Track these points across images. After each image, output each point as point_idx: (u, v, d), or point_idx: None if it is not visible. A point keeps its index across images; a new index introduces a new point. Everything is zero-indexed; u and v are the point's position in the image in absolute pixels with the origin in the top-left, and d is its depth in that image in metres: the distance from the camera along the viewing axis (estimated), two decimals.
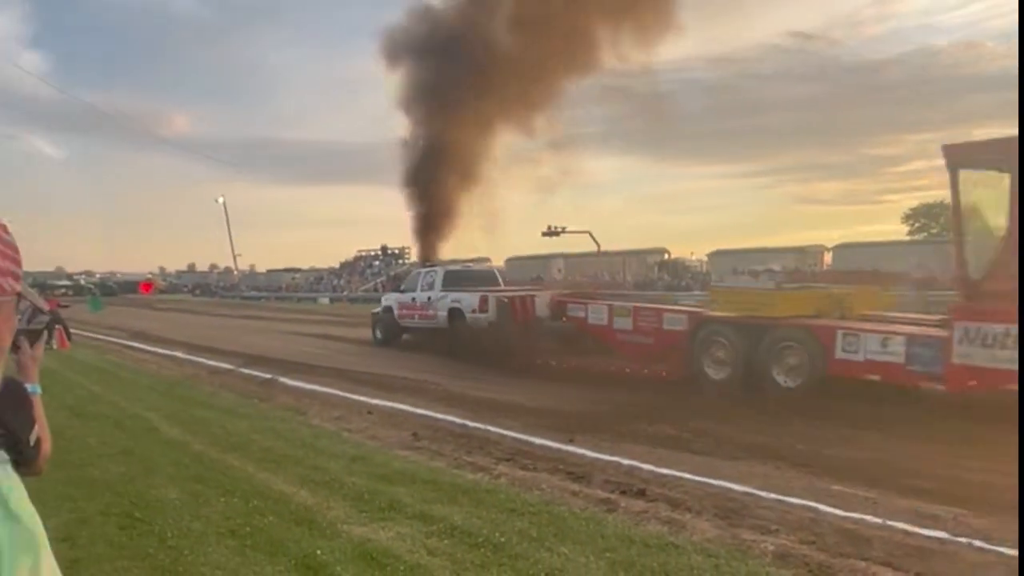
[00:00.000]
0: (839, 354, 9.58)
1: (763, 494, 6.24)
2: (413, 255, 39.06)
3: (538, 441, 8.42)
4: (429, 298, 17.91)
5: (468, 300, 16.37)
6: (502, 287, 18.10)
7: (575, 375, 12.48)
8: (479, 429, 9.09)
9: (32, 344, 2.31)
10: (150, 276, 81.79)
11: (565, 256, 46.22)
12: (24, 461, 2.31)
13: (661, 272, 40.98)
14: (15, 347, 2.20)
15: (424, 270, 19.73)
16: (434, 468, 7.07)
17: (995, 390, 7.94)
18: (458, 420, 9.63)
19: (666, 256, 44.00)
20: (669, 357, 11.63)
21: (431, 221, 28.37)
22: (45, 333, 2.36)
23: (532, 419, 9.66)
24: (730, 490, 6.36)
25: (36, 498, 4.72)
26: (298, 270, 37.53)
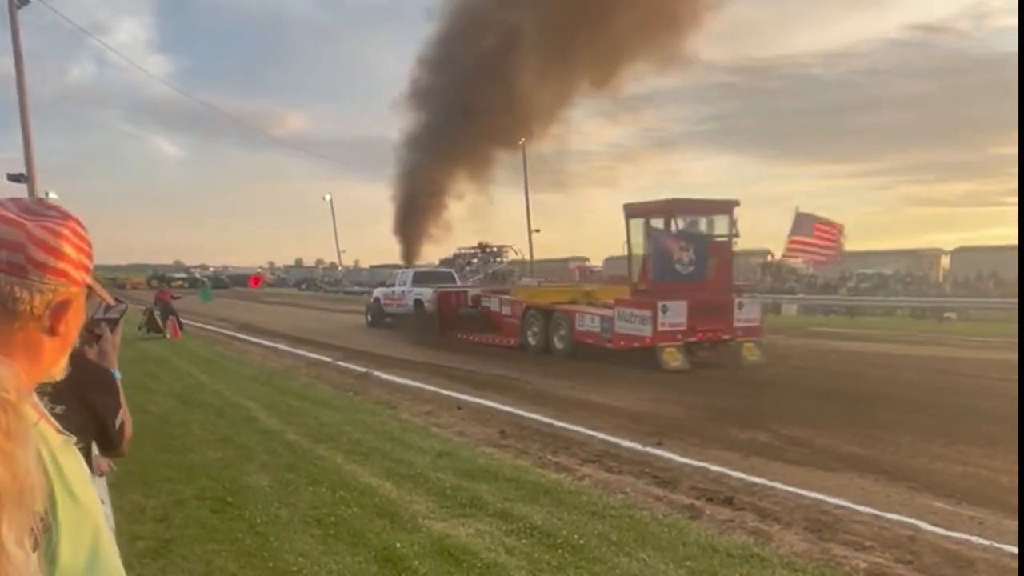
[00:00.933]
0: (577, 327, 15.93)
1: (859, 508, 5.95)
2: (512, 254, 41.18)
3: (626, 443, 8.29)
4: (403, 292, 24.66)
5: (425, 294, 22.93)
6: (454, 285, 24.50)
7: (476, 347, 17.64)
8: (567, 429, 9.03)
9: (111, 331, 2.41)
10: (259, 270, 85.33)
11: None
12: (109, 444, 2.45)
13: (764, 274, 39.68)
14: (95, 336, 2.30)
15: (401, 270, 27.38)
16: (518, 466, 7.07)
17: (631, 346, 14.47)
18: (546, 419, 9.61)
19: (769, 258, 42.61)
20: (516, 331, 17.92)
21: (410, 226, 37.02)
22: (121, 321, 2.46)
23: (622, 420, 9.54)
24: (823, 502, 6.09)
25: (140, 479, 4.98)
26: (399, 267, 38.82)
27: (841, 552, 4.98)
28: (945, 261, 38.44)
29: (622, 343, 14.66)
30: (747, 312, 15.09)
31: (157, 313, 21.24)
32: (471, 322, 19.86)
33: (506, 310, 18.79)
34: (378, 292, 26.64)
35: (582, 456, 7.68)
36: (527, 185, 41.13)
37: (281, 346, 19.08)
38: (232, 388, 11.66)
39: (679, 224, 15.39)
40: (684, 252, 14.82)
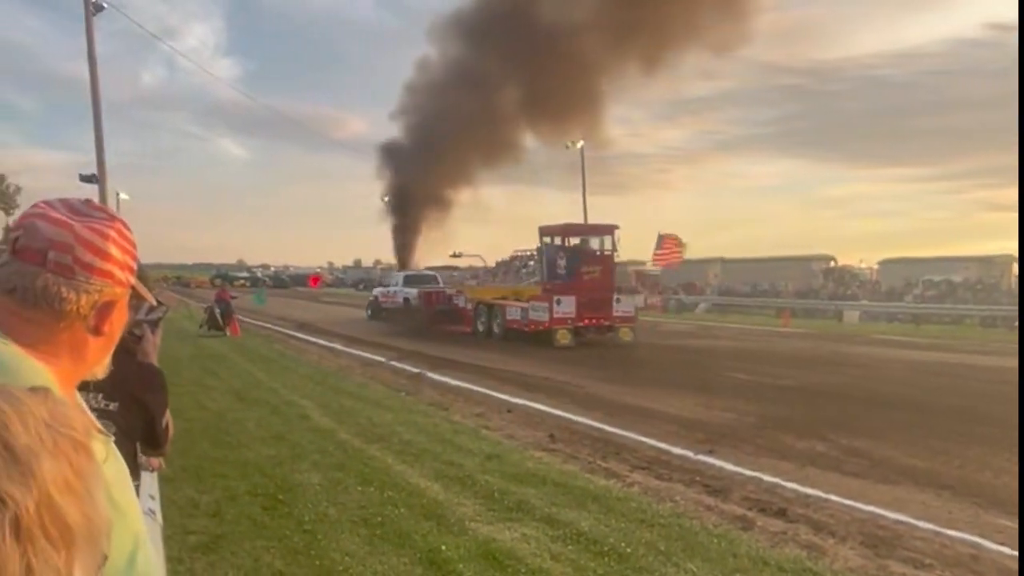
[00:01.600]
0: (508, 317, 21.35)
1: (919, 523, 5.74)
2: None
3: (677, 450, 8.18)
4: (395, 291, 30.31)
5: (412, 293, 28.39)
6: (436, 286, 29.16)
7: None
8: (617, 434, 8.96)
9: (152, 331, 2.46)
10: (318, 270, 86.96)
11: (724, 261, 45.31)
12: (155, 442, 2.50)
13: (826, 280, 38.82)
14: (136, 337, 2.36)
15: (394, 273, 34.98)
16: (567, 471, 7.02)
17: (537, 329, 19.97)
18: (596, 424, 9.55)
19: (832, 263, 41.66)
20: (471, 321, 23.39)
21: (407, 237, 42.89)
22: (161, 322, 2.51)
23: (674, 427, 9.42)
24: (881, 516, 5.90)
25: (195, 474, 5.08)
26: (455, 269, 39.61)
27: (899, 570, 4.81)
28: (1016, 268, 37.10)
29: (532, 327, 20.30)
30: (623, 306, 20.76)
31: (218, 311, 21.80)
32: (445, 316, 24.89)
33: (469, 306, 24.07)
34: (377, 291, 33.15)
35: (632, 462, 7.60)
36: (585, 186, 41.25)
37: (337, 345, 19.45)
38: (288, 386, 11.87)
39: (568, 243, 21.96)
40: (562, 262, 21.32)
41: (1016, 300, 29.06)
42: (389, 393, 11.67)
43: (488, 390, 12.21)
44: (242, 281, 70.96)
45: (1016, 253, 35.13)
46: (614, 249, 21.64)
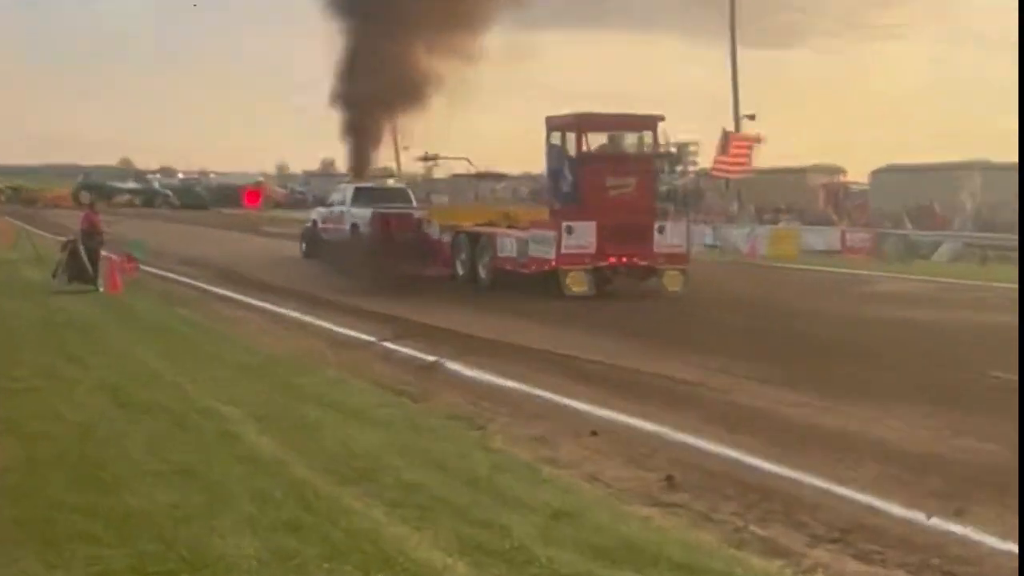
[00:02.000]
0: (498, 253, 24.36)
1: None
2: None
3: (896, 509, 8.10)
4: (340, 213, 33.20)
5: (365, 216, 30.82)
6: (404, 206, 32.26)
7: (432, 285, 23.86)
8: (784, 477, 8.97)
9: None
10: (260, 180, 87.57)
11: (987, 167, 45.38)
12: None
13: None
14: None
15: (341, 185, 36.45)
16: (696, 544, 7.03)
17: (541, 270, 23.56)
18: (745, 457, 9.60)
19: None
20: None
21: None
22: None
23: (889, 465, 9.34)
24: None
25: (39, 537, 5.22)
26: (504, 176, 39.78)
27: None
28: None
29: (533, 267, 23.16)
30: (670, 237, 23.39)
31: (84, 251, 22.27)
32: (408, 250, 27.67)
33: (446, 237, 27.09)
34: (315, 213, 36.76)
35: (813, 530, 7.60)
36: (735, 37, 41.79)
37: (292, 312, 20.43)
38: (203, 382, 12.12)
39: (586, 142, 24.56)
40: (576, 171, 24.05)
41: None
42: (381, 396, 11.88)
43: (549, 392, 12.48)
44: (128, 197, 72.30)
45: None
46: (656, 151, 24.60)
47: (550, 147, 25.02)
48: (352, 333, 17.85)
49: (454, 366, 14.45)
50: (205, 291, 23.60)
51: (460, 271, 25.49)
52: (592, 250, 22.67)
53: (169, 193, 76.52)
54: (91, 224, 23.70)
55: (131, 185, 79.34)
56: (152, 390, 11.61)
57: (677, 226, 24.06)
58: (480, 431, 10.29)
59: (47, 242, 31.66)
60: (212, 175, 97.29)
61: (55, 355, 13.77)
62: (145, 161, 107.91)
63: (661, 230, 23.36)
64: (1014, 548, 7.13)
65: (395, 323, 18.84)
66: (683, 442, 10.18)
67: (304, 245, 35.18)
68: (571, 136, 24.59)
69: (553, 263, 22.44)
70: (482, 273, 24.66)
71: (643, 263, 23.24)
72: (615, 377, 13.57)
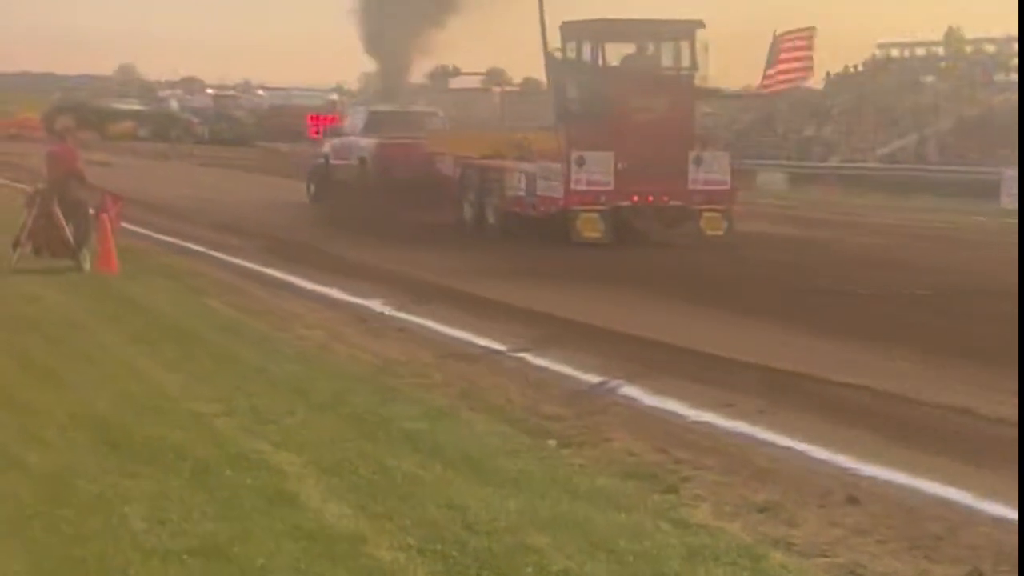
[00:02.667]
0: (507, 192, 29.44)
1: None
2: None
3: None
4: (351, 144, 38.22)
5: (368, 147, 36.23)
6: (433, 134, 36.67)
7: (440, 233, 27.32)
8: None
9: None
10: (333, 99, 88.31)
11: None
12: None
13: None
14: None
15: (359, 107, 43.78)
16: None
17: (549, 211, 28.99)
18: None
19: None
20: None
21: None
22: None
23: None
24: None
25: None
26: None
27: None
28: None
29: (541, 208, 27.17)
30: (709, 171, 27.15)
31: (60, 207, 22.41)
32: (421, 191, 32.27)
33: (458, 171, 31.82)
34: (328, 145, 41.95)
35: None
36: None
37: (378, 305, 20.99)
38: (242, 412, 12.26)
39: (603, 54, 28.72)
40: (591, 89, 27.76)
41: None
42: (512, 438, 11.82)
43: (786, 435, 12.36)
44: (130, 124, 73.28)
45: None
46: (694, 67, 28.31)
47: (556, 59, 28.85)
48: (469, 337, 18.21)
49: (629, 390, 14.46)
50: (246, 271, 24.09)
51: (468, 214, 29.73)
52: (610, 186, 26.29)
53: (193, 119, 77.22)
54: (65, 166, 23.91)
55: (134, 106, 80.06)
56: (161, 424, 11.59)
57: (719, 157, 27.86)
58: (672, 495, 10.14)
59: (4, 193, 32.00)
60: (260, 91, 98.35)
61: (15, 370, 13.89)
62: (157, 70, 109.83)
63: (698, 161, 26.91)
64: None
65: (534, 320, 19.33)
66: (987, 514, 9.95)
67: (311, 187, 40.94)
68: (587, 46, 28.43)
69: (561, 202, 26.13)
70: (490, 217, 28.72)
71: (675, 202, 27.00)
72: (884, 411, 13.42)
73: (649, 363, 15.91)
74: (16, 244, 22.49)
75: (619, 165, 25.63)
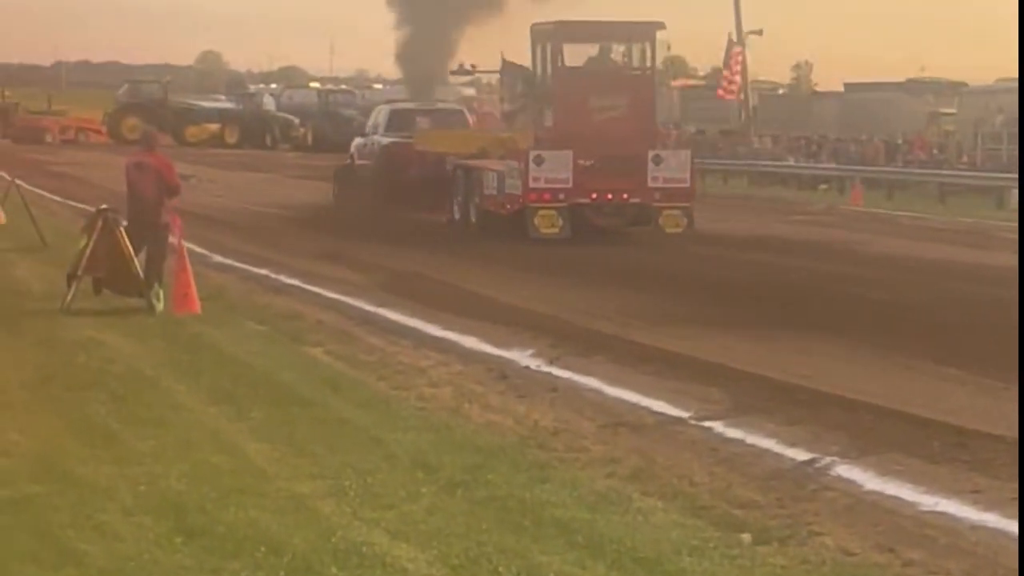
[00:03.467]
0: (485, 191, 39.74)
1: None
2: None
3: None
4: (373, 143, 46.88)
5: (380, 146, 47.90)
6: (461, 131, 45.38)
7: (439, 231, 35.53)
8: None
9: None
10: (470, 94, 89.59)
11: None
12: None
13: None
14: None
15: (383, 107, 52.60)
16: None
17: (514, 209, 38.25)
18: None
19: None
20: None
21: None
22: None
23: None
24: None
25: None
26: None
27: None
28: None
29: (508, 206, 33.42)
30: (668, 169, 33.44)
31: (127, 234, 22.42)
32: (422, 190, 40.20)
33: (451, 171, 39.24)
34: (354, 145, 50.50)
35: None
36: None
37: (524, 357, 20.98)
38: (353, 493, 12.22)
39: (560, 55, 35.42)
40: (557, 89, 35.57)
41: None
42: (695, 531, 11.59)
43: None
44: (215, 127, 73.93)
45: None
46: (653, 66, 36.15)
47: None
48: (640, 399, 17.97)
49: (843, 469, 14.12)
50: (355, 312, 24.28)
51: (456, 214, 36.59)
52: (568, 184, 33.14)
53: (292, 120, 77.63)
54: (157, 180, 23.99)
55: (219, 104, 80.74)
56: (250, 507, 11.57)
57: (678, 155, 35.33)
58: None
59: (57, 212, 32.34)
60: (377, 85, 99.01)
61: (70, 436, 13.95)
62: (247, 58, 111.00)
63: (657, 160, 33.85)
64: None
65: (723, 377, 18.98)
66: None
67: (336, 187, 48.71)
68: (550, 47, 35.53)
69: (520, 200, 32.60)
70: (472, 215, 35.90)
71: (634, 200, 34.05)
72: None
73: (865, 433, 15.61)
74: (72, 278, 22.48)
75: (580, 163, 32.61)
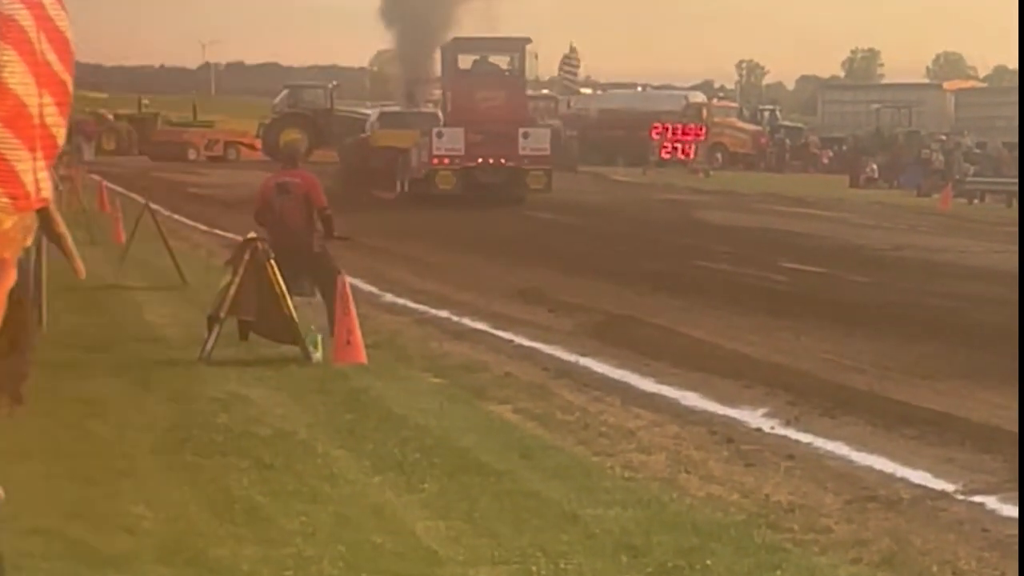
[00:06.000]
0: (413, 164, 79.67)
1: None
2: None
3: None
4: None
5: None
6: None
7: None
8: None
9: None
10: (698, 99, 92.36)
11: None
12: None
13: None
14: None
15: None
16: None
17: (420, 174, 77.21)
18: None
19: None
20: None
21: None
22: None
23: None
24: None
25: None
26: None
27: None
28: None
29: (421, 171, 66.46)
30: (533, 142, 65.42)
31: (279, 269, 22.51)
32: (378, 174, 71.30)
33: (417, 155, 69.44)
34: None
35: None
36: None
37: (746, 415, 20.73)
38: None
39: (455, 62, 70.14)
40: (454, 87, 69.93)
41: None
42: None
43: None
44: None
45: None
46: (522, 69, 64.45)
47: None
48: (896, 469, 17.68)
49: None
50: (553, 362, 24.14)
51: (398, 188, 49.45)
52: (461, 152, 57.48)
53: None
54: (302, 203, 24.48)
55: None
56: None
57: (540, 132, 60.66)
58: None
59: (201, 243, 32.56)
60: (585, 89, 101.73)
61: (206, 509, 14.02)
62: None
63: (525, 136, 57.73)
64: None
65: (996, 442, 18.59)
66: None
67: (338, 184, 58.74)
68: (448, 56, 61.40)
69: (428, 164, 55.88)
70: (404, 186, 61.60)
71: (509, 163, 57.66)
72: None
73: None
74: (213, 320, 22.62)
75: (470, 137, 55.82)
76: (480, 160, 50.04)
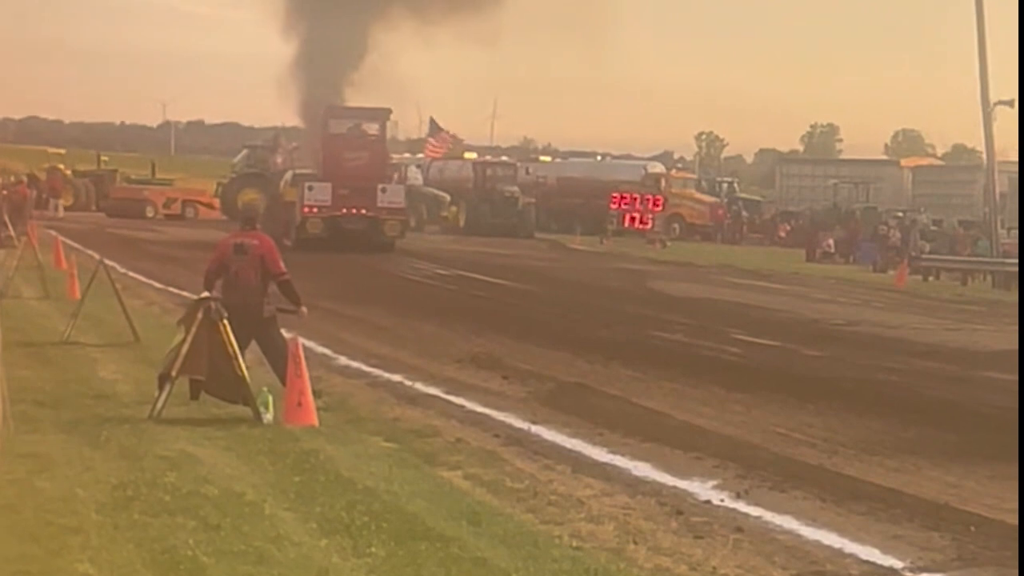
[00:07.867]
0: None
1: None
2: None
3: None
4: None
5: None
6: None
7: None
8: None
9: None
10: (656, 171, 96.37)
11: None
12: None
13: None
14: None
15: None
16: None
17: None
18: None
19: None
20: None
21: None
22: None
23: None
24: None
25: None
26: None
27: None
28: None
29: (297, 219, 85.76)
30: (390, 196, 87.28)
31: (230, 326, 22.44)
32: (286, 225, 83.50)
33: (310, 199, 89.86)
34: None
35: None
36: None
37: (696, 486, 20.85)
38: None
39: (330, 127, 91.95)
40: (327, 148, 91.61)
41: None
42: None
43: None
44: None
45: None
46: (383, 135, 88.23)
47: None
48: (845, 543, 17.84)
49: None
50: (503, 429, 24.23)
51: (286, 243, 54.20)
52: (328, 203, 77.03)
53: (443, 197, 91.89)
54: (252, 263, 24.36)
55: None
56: None
57: (396, 188, 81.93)
58: None
59: (155, 301, 32.57)
60: (548, 159, 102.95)
61: (151, 570, 14.05)
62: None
63: (384, 190, 78.58)
64: None
65: (944, 519, 18.75)
66: None
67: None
68: (321, 121, 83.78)
69: (301, 213, 76.12)
70: (291, 238, 76.97)
71: (370, 214, 77.59)
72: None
73: None
74: (164, 379, 22.56)
75: (337, 191, 70.24)
76: (344, 210, 63.75)
